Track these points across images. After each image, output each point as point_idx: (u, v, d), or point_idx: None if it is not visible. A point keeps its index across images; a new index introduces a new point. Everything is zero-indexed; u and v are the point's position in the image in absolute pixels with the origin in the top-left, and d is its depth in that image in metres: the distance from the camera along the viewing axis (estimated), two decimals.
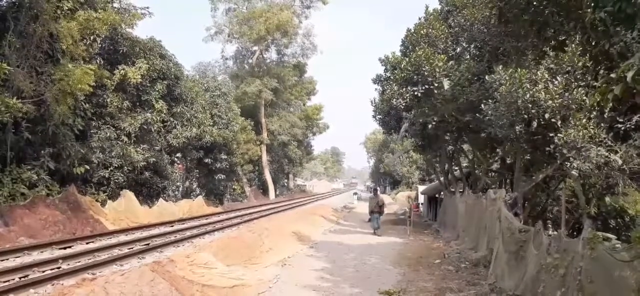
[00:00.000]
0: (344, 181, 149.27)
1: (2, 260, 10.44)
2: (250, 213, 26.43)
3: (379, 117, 23.80)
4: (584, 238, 6.42)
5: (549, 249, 7.59)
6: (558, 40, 12.04)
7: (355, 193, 61.98)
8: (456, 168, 25.37)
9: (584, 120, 11.75)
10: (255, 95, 49.26)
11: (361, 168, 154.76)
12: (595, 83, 11.57)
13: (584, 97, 11.72)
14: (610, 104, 7.31)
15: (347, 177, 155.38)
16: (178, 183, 34.24)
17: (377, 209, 21.21)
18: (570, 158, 11.79)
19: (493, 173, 22.79)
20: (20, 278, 8.95)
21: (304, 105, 64.70)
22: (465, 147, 24.69)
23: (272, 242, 15.47)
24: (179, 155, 31.74)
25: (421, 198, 37.35)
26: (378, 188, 27.22)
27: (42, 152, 17.87)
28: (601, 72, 11.04)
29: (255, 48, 52.87)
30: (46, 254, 11.40)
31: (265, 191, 53.39)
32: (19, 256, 10.95)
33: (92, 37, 19.27)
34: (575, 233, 16.67)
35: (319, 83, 75.78)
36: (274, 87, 51.15)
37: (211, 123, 33.63)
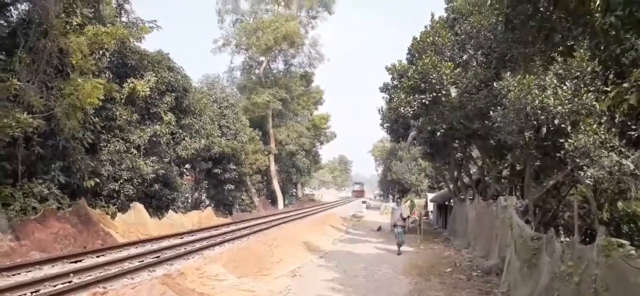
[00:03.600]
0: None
1: (14, 275, 10.48)
2: (259, 224, 26.41)
3: (386, 125, 23.76)
4: (598, 245, 6.34)
5: (562, 257, 7.51)
6: (566, 46, 11.96)
7: (364, 202, 61.84)
8: (465, 175, 25.23)
9: (595, 126, 11.65)
10: (264, 105, 49.45)
11: (369, 176, 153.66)
12: (605, 88, 11.48)
13: (594, 102, 11.62)
14: (625, 111, 7.24)
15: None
16: (187, 195, 34.35)
17: (400, 222, 18.60)
18: (584, 166, 11.67)
19: (503, 180, 22.62)
20: (31, 293, 8.97)
21: (311, 114, 64.79)
22: (474, 153, 24.55)
23: (282, 253, 15.46)
24: (187, 166, 31.87)
25: (430, 206, 37.18)
26: (402, 198, 25.28)
27: (53, 166, 17.99)
28: (611, 76, 10.97)
29: (263, 59, 53.17)
30: (57, 268, 11.44)
31: (273, 201, 53.41)
32: (30, 271, 10.99)
33: (100, 52, 19.48)
34: (587, 239, 16.47)
35: (326, 92, 75.73)
36: (282, 97, 51.30)
37: (219, 134, 33.80)
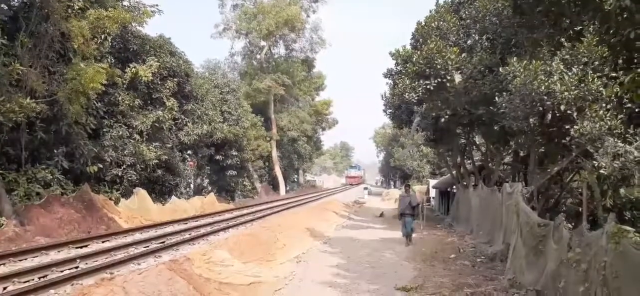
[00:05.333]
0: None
1: (20, 260, 10.50)
2: (262, 210, 26.45)
3: (389, 111, 23.67)
4: (608, 232, 6.31)
5: (570, 243, 7.49)
6: (574, 30, 11.86)
7: (365, 188, 61.91)
8: (468, 161, 25.20)
9: (601, 112, 11.59)
10: (265, 91, 49.32)
11: (370, 163, 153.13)
12: (613, 74, 11.40)
13: (601, 88, 11.55)
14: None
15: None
16: (190, 180, 34.39)
17: (409, 210, 16.49)
18: (594, 153, 11.62)
19: (506, 166, 22.60)
20: (39, 278, 8.98)
21: (312, 100, 64.66)
22: (478, 139, 24.51)
23: (286, 238, 15.49)
24: (190, 152, 31.87)
25: (432, 192, 37.22)
26: (410, 184, 21.34)
27: (56, 151, 17.97)
28: (619, 62, 10.87)
29: (264, 43, 52.87)
30: (63, 254, 11.45)
31: (275, 187, 53.48)
32: (36, 256, 11.00)
33: (103, 36, 19.29)
34: (590, 225, 16.50)
35: (328, 77, 75.43)
36: (284, 83, 51.08)
37: (221, 120, 33.76)
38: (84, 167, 19.07)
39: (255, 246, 13.27)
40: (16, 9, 17.18)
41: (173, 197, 25.05)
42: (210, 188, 36.11)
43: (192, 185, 35.30)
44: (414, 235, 16.79)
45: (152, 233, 15.62)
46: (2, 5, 16.81)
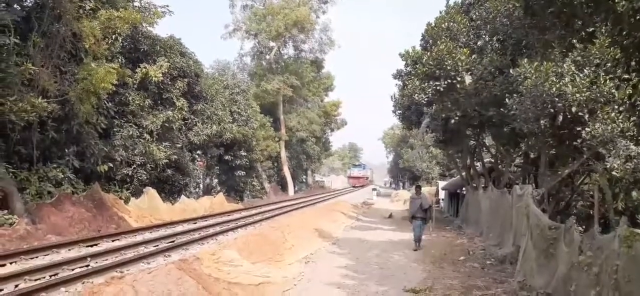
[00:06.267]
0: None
1: (32, 258, 10.60)
2: (270, 210, 26.50)
3: (399, 112, 23.60)
4: (619, 236, 6.24)
5: (581, 247, 7.42)
6: (586, 32, 11.75)
7: (374, 189, 61.83)
8: (478, 163, 25.06)
9: (613, 114, 11.46)
10: (275, 92, 49.40)
11: (379, 163, 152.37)
12: (626, 76, 11.28)
13: (613, 90, 11.42)
14: None
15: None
16: (199, 180, 34.53)
17: (420, 213, 15.58)
18: (605, 155, 11.49)
19: (516, 168, 22.44)
20: (50, 276, 9.06)
21: (321, 101, 64.66)
22: (488, 141, 24.36)
23: (294, 239, 15.48)
24: (199, 152, 32.00)
25: (442, 194, 37.09)
26: (421, 185, 20.12)
27: (67, 150, 18.10)
28: (632, 64, 10.76)
29: (273, 44, 52.95)
30: (74, 252, 11.55)
31: (284, 187, 53.55)
32: (47, 255, 11.10)
33: (113, 36, 19.42)
34: (601, 228, 16.32)
35: (337, 78, 75.42)
36: (293, 84, 51.15)
37: (231, 121, 33.87)
38: (95, 166, 19.21)
39: (264, 247, 13.28)
40: (29, 9, 17.34)
41: (182, 196, 25.17)
42: (219, 188, 36.23)
43: (201, 185, 35.44)
44: (423, 237, 16.62)
45: (161, 232, 15.71)
46: (15, 6, 17.00)
